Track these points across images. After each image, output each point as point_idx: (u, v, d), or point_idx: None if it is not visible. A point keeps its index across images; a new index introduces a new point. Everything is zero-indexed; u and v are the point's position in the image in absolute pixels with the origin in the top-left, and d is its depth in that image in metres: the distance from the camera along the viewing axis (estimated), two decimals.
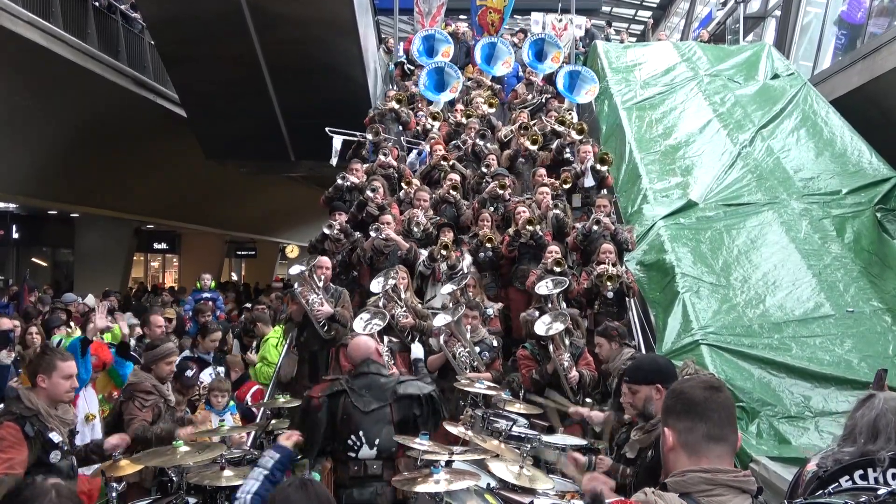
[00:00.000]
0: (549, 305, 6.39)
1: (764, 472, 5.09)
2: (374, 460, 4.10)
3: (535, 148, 9.46)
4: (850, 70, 11.72)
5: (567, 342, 5.79)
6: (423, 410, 4.22)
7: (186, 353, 6.58)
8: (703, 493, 1.88)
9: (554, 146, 9.51)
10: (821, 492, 2.45)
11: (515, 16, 17.87)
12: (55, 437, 3.66)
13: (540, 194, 8.30)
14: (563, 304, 6.36)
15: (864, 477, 2.40)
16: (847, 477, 2.44)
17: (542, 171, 9.03)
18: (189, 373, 5.44)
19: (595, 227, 7.54)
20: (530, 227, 7.42)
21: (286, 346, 7.20)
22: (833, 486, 2.44)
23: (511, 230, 7.66)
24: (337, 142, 10.45)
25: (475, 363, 5.94)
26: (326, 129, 10.67)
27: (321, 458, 4.31)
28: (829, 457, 2.52)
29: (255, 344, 8.00)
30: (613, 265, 6.99)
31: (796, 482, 2.64)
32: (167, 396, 4.71)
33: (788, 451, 5.56)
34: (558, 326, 5.64)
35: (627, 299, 7.21)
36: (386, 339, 5.94)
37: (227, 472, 3.74)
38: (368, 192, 8.17)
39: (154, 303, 12.27)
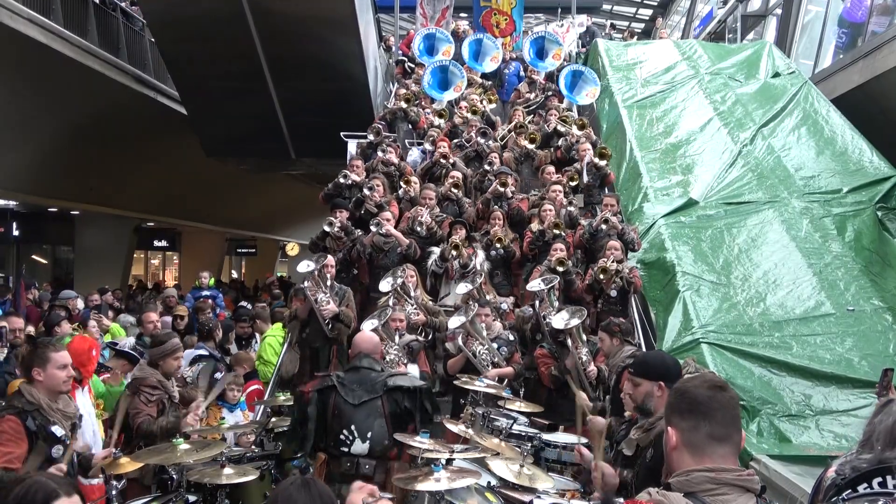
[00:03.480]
0: (540, 303, 6.40)
1: (764, 470, 5.09)
2: (367, 459, 4.09)
3: (532, 146, 9.43)
4: (851, 68, 11.69)
5: (584, 338, 5.82)
6: (414, 403, 4.20)
7: (195, 351, 6.57)
8: (708, 492, 1.88)
9: (560, 145, 9.48)
10: (836, 498, 2.44)
11: None
12: (57, 430, 3.66)
13: (553, 192, 8.26)
14: (557, 303, 6.35)
15: (883, 484, 2.40)
16: (865, 484, 2.43)
17: (551, 168, 8.95)
18: (218, 375, 5.45)
19: (603, 226, 7.52)
20: (556, 231, 7.43)
21: (286, 342, 7.20)
22: (848, 492, 2.44)
23: (535, 227, 7.63)
24: (352, 146, 10.41)
25: (495, 359, 5.97)
26: (341, 133, 10.64)
27: (315, 453, 4.31)
28: (848, 463, 2.51)
29: (252, 343, 7.99)
30: (619, 262, 6.98)
31: (817, 488, 2.64)
32: (171, 392, 4.71)
33: (789, 449, 5.57)
34: (575, 321, 5.67)
35: (630, 296, 7.20)
36: (410, 337, 5.97)
37: (228, 470, 3.74)
38: (366, 190, 8.16)
39: (148, 300, 12.23)
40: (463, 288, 6.71)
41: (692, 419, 1.97)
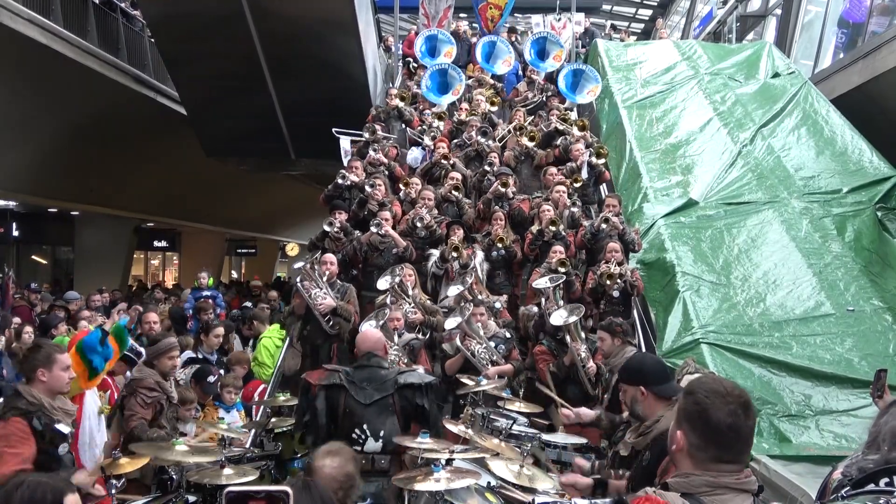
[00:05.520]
0: (546, 301, 6.40)
1: (764, 470, 5.09)
2: (382, 454, 4.09)
3: (531, 145, 9.42)
4: (851, 69, 11.69)
5: (583, 335, 5.84)
6: (427, 400, 4.20)
7: (189, 353, 6.55)
8: (705, 493, 1.90)
9: (559, 144, 9.48)
10: (835, 496, 2.44)
11: (516, 14, 17.82)
12: (63, 428, 3.67)
13: (556, 192, 8.26)
14: (561, 301, 6.36)
15: (890, 484, 2.39)
16: (872, 485, 2.43)
17: (553, 169, 8.97)
18: (211, 378, 5.46)
19: (603, 226, 7.52)
20: (553, 227, 7.43)
21: (287, 341, 7.19)
22: (846, 489, 2.43)
23: (534, 228, 7.65)
24: (345, 142, 10.40)
25: (494, 357, 5.98)
26: (333, 130, 10.64)
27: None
28: (854, 465, 2.50)
29: (251, 343, 7.99)
30: (619, 264, 6.98)
31: (823, 490, 2.63)
32: (169, 393, 4.71)
33: (789, 449, 5.58)
34: (574, 318, 5.72)
35: (632, 298, 7.21)
36: (409, 336, 5.97)
37: (228, 471, 3.74)
38: (368, 189, 8.16)
39: (150, 300, 12.22)
40: (454, 290, 6.72)
41: (704, 440, 1.94)
